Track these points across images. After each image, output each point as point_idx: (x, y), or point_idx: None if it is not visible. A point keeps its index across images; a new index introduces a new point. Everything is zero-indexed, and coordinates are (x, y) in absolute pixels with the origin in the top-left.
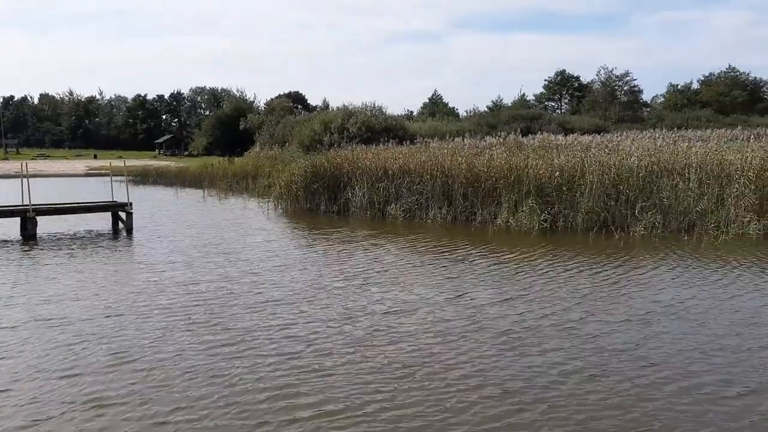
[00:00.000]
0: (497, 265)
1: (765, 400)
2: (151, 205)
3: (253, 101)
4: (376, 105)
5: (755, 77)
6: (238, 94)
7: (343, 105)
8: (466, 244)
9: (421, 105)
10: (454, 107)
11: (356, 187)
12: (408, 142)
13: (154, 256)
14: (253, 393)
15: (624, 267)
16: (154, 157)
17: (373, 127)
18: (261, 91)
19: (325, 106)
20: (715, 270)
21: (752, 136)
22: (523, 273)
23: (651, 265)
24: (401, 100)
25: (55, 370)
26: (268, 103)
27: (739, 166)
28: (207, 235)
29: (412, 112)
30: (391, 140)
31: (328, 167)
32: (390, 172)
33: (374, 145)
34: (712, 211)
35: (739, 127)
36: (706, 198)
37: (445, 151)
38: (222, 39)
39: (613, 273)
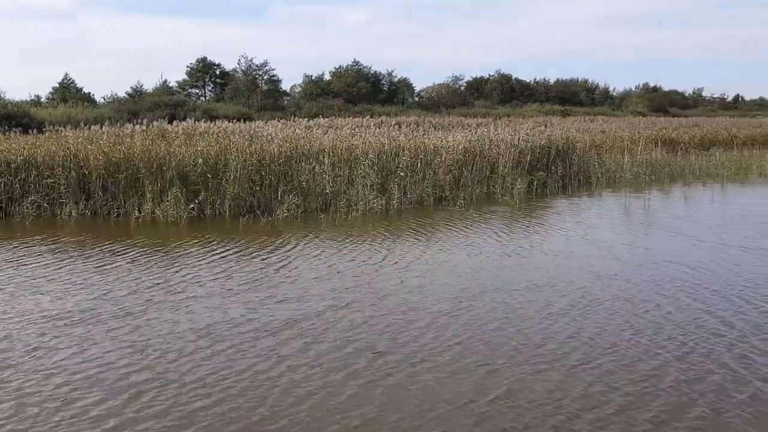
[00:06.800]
0: (156, 260)
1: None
2: None
3: None
4: None
5: (376, 71)
6: None
7: None
8: (110, 242)
9: (51, 90)
10: (89, 92)
11: None
12: (35, 131)
13: None
14: None
15: (271, 246)
16: None
17: None
18: None
19: None
20: (345, 241)
21: (373, 123)
22: (183, 266)
23: (294, 242)
24: (26, 84)
25: None
26: None
27: (363, 149)
28: None
29: (39, 98)
30: (13, 129)
31: None
32: (13, 165)
33: None
34: (344, 191)
35: (367, 117)
36: (338, 179)
37: (81, 140)
38: None
39: (264, 252)
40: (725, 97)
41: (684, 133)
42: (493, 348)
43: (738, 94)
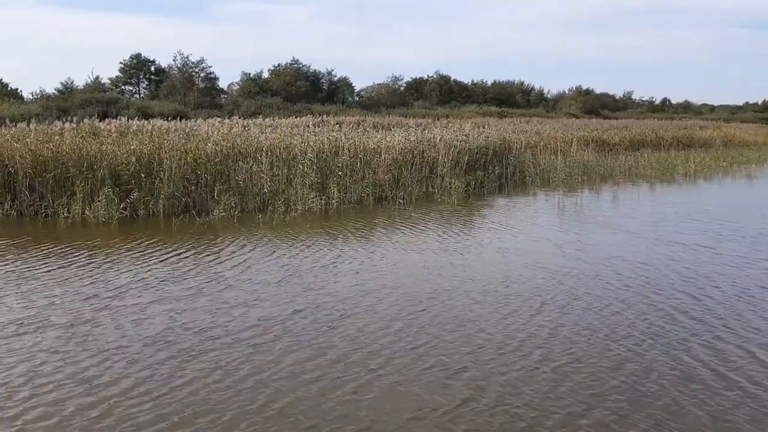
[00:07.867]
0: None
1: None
2: None
3: None
4: None
5: (315, 69)
6: None
7: None
8: (44, 244)
9: None
10: (16, 88)
11: None
12: None
13: None
14: None
15: (214, 248)
16: None
17: None
18: None
19: None
20: (288, 242)
21: (312, 123)
22: (126, 270)
23: (235, 243)
24: None
25: None
26: None
27: (302, 149)
28: None
29: None
30: None
31: None
32: None
33: None
34: (282, 191)
35: (308, 116)
36: (276, 179)
37: (6, 137)
38: None
39: (209, 254)
40: (653, 100)
41: (614, 135)
42: (455, 349)
43: (665, 98)
